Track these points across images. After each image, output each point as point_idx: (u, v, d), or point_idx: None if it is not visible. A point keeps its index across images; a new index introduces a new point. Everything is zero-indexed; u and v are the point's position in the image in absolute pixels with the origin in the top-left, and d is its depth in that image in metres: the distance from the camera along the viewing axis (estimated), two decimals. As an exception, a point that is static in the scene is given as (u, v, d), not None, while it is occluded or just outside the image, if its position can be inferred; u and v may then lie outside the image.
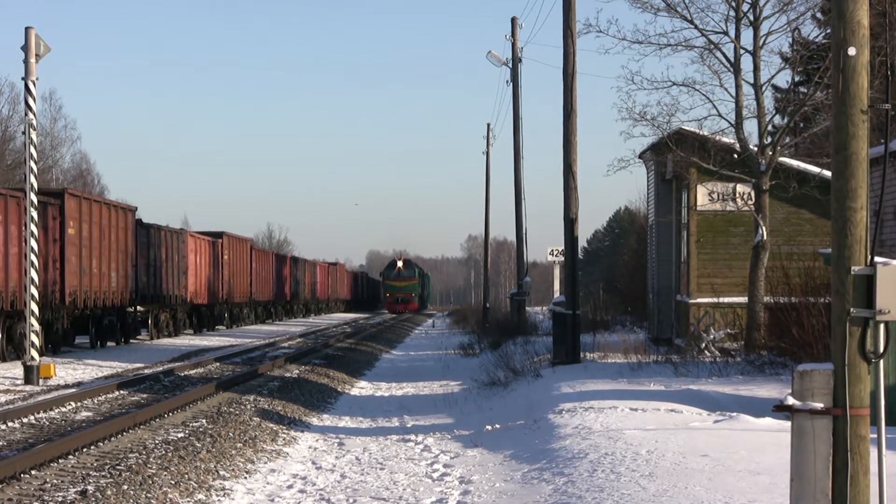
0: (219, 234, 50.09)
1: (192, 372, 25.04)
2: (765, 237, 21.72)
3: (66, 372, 24.41)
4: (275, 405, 17.95)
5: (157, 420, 15.71)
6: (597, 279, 71.73)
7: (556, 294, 48.92)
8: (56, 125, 70.23)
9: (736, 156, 22.67)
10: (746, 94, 21.79)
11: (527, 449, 13.28)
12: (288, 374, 23.76)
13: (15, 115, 60.30)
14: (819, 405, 6.79)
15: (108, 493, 10.23)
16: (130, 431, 14.50)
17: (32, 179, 22.46)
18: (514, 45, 41.60)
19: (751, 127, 32.32)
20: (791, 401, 6.84)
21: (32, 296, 22.44)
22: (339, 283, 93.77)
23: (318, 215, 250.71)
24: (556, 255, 50.98)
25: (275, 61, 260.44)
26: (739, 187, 24.31)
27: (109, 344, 34.16)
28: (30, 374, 21.77)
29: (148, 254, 37.99)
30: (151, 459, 12.05)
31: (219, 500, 10.84)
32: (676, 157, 24.37)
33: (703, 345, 22.83)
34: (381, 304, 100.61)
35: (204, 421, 15.50)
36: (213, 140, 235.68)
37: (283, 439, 14.95)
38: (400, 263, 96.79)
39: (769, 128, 23.14)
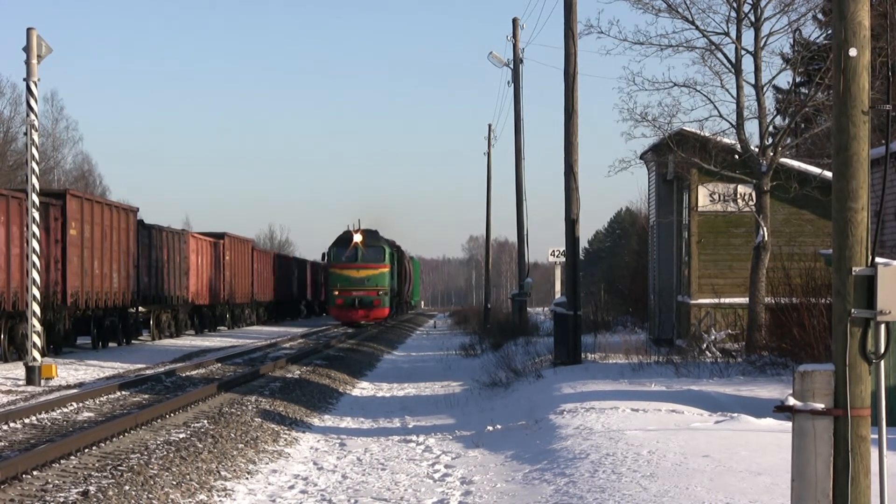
0: (220, 235, 50.15)
1: (194, 372, 25.05)
2: (766, 238, 21.73)
3: (68, 372, 24.43)
4: (276, 406, 17.96)
5: (159, 420, 15.73)
6: (598, 280, 71.69)
7: (558, 295, 48.91)
8: (58, 126, 70.55)
9: (737, 157, 22.67)
10: (747, 95, 21.83)
11: (528, 449, 13.29)
12: (289, 375, 23.76)
13: (17, 116, 60.61)
14: (820, 406, 6.80)
15: (110, 493, 10.24)
16: (132, 432, 14.52)
17: (34, 180, 22.48)
18: (515, 46, 41.64)
19: (752, 128, 32.34)
20: (792, 401, 6.84)
21: (34, 296, 22.45)
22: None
23: (320, 216, 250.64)
24: (557, 256, 50.98)
25: (276, 62, 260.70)
26: (740, 188, 24.33)
27: (111, 345, 34.18)
28: (31, 375, 21.79)
29: (149, 254, 38.01)
30: (153, 460, 12.06)
31: (220, 500, 10.85)
32: (677, 158, 24.37)
33: (704, 345, 22.83)
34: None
35: (205, 421, 15.51)
36: (214, 140, 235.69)
37: (285, 440, 14.96)
38: (357, 237, 53.93)
39: (770, 129, 23.15)
